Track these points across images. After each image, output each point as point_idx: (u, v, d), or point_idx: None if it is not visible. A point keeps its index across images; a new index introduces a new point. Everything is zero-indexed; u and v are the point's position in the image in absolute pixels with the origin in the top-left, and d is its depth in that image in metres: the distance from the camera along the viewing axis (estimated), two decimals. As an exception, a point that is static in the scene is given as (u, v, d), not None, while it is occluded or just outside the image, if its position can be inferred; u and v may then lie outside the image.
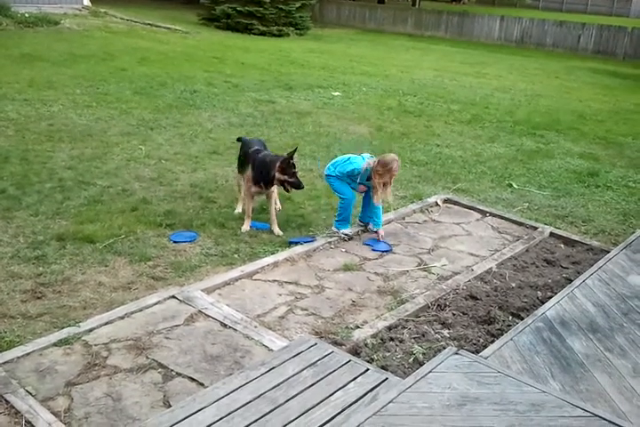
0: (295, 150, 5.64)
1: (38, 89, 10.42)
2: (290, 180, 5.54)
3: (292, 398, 3.28)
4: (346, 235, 5.79)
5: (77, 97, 10.13)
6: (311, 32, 24.36)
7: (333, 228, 5.84)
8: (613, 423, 3.03)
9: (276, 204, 6.01)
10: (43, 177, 6.57)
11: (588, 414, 3.09)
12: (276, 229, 5.72)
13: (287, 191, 5.72)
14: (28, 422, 3.15)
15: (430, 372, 3.40)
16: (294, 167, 5.55)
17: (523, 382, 3.35)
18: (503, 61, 20.91)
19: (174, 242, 5.36)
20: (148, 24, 20.97)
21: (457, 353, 3.58)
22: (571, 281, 4.99)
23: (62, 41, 15.99)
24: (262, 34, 22.05)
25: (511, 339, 3.95)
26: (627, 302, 4.54)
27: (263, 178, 5.54)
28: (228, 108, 10.40)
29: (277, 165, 5.46)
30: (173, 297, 4.46)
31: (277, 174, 5.48)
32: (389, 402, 3.13)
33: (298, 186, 5.62)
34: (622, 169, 8.75)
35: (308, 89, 12.68)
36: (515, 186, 7.66)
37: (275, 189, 5.82)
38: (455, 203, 6.90)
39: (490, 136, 10.09)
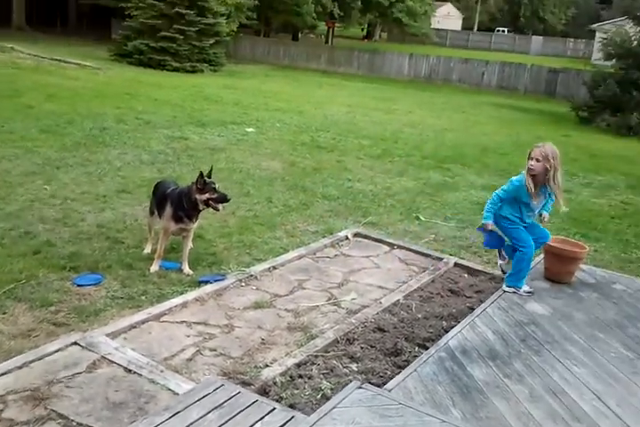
0: (211, 169, 5.60)
1: (-64, 128, 10.00)
2: (213, 196, 5.42)
3: (197, 442, 3.23)
4: (529, 293, 5.42)
5: (-21, 136, 9.78)
6: (225, 68, 24.61)
7: (506, 287, 5.45)
8: (509, 449, 3.15)
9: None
10: (-62, 221, 6.26)
11: (486, 441, 3.20)
12: (186, 269, 5.66)
13: (217, 210, 5.55)
14: None
15: (334, 407, 3.43)
16: (213, 184, 5.44)
17: (424, 412, 3.44)
18: (413, 96, 21.75)
19: (78, 285, 5.20)
20: (57, 60, 20.60)
21: (360, 387, 3.64)
22: (473, 310, 5.19)
23: (-36, 77, 15.47)
24: (176, 70, 22.10)
25: (415, 370, 4.04)
26: (524, 329, 4.75)
27: (186, 209, 5.44)
28: (138, 145, 10.29)
29: (194, 187, 5.40)
30: (75, 343, 4.31)
31: (198, 196, 5.39)
32: (294, 441, 3.14)
33: (224, 199, 5.48)
34: (522, 199, 9.20)
35: (221, 125, 12.75)
36: (422, 218, 7.92)
37: (194, 226, 5.72)
38: (365, 236, 7.06)
39: (399, 170, 10.42)
